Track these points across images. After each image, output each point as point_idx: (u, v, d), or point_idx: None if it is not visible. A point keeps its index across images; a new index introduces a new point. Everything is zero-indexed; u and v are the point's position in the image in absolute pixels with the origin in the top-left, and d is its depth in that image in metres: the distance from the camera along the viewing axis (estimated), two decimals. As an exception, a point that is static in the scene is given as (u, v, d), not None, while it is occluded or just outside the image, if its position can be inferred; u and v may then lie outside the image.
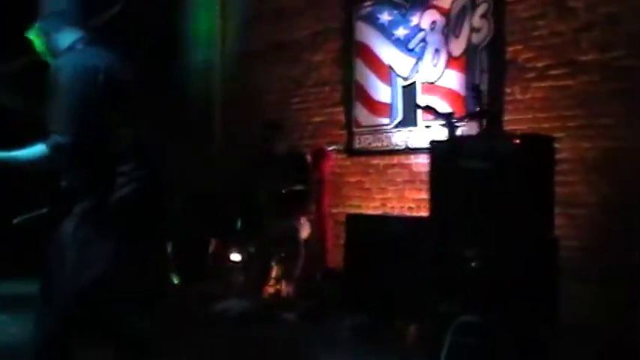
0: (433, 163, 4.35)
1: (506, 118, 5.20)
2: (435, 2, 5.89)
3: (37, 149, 3.06)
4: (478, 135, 4.48)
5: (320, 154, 6.19)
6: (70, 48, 3.22)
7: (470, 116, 4.65)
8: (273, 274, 5.71)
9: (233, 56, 7.87)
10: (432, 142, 4.43)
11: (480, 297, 3.63)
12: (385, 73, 6.31)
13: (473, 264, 3.66)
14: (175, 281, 5.98)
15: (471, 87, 4.85)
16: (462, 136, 4.61)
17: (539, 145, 4.16)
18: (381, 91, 6.33)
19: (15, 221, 3.62)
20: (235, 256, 5.95)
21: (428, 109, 4.95)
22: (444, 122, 4.25)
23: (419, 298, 4.26)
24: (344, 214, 5.96)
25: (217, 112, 7.85)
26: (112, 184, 3.22)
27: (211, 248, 6.16)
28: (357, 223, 5.39)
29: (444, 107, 5.40)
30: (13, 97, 6.43)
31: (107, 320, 3.46)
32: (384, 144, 6.30)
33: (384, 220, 5.51)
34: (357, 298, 5.08)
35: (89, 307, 3.45)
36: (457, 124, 4.31)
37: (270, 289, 5.69)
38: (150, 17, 7.59)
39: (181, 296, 5.85)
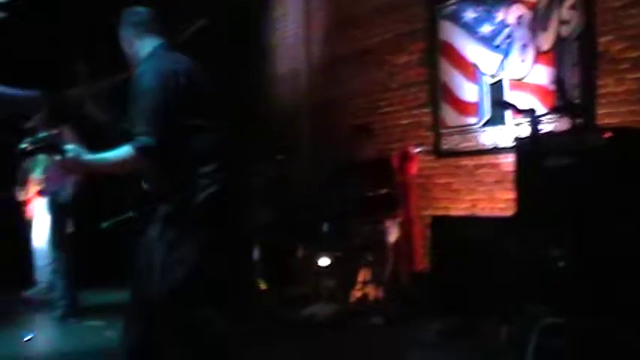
0: (518, 162, 4.21)
1: (600, 112, 4.95)
2: (521, -4, 5.73)
3: (123, 150, 3.14)
4: (566, 130, 4.30)
5: (405, 157, 6.11)
6: (151, 55, 3.32)
7: (554, 111, 4.46)
8: (361, 278, 5.66)
9: (319, 63, 7.89)
10: (516, 140, 4.29)
11: (568, 298, 3.46)
12: (471, 71, 6.17)
13: (560, 264, 3.50)
14: (262, 286, 6.02)
15: (555, 81, 4.63)
16: (548, 133, 4.44)
17: (632, 138, 3.94)
18: (468, 91, 6.19)
19: (103, 225, 3.73)
20: (323, 261, 5.94)
21: (507, 105, 4.79)
22: (527, 119, 4.09)
23: (508, 299, 4.12)
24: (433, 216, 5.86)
25: (305, 119, 7.89)
26: (194, 186, 3.27)
27: (299, 253, 6.18)
28: (443, 225, 5.28)
29: (532, 104, 5.23)
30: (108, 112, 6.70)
31: (190, 324, 3.51)
32: (472, 144, 6.15)
33: (469, 221, 5.37)
34: (445, 301, 4.97)
35: (175, 310, 3.51)
36: (542, 119, 4.15)
37: (358, 294, 5.64)
38: (237, 28, 7.76)
39: (269, 301, 5.90)
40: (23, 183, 6.71)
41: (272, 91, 8.23)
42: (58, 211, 6.05)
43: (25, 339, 5.03)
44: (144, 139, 3.13)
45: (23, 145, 3.33)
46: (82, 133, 5.55)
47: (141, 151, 3.13)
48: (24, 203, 6.77)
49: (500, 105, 5.48)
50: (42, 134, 3.31)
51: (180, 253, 3.28)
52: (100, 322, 5.39)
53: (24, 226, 6.93)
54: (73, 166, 3.21)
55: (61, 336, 5.53)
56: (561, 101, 4.38)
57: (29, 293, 6.85)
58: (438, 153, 6.47)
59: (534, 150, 3.96)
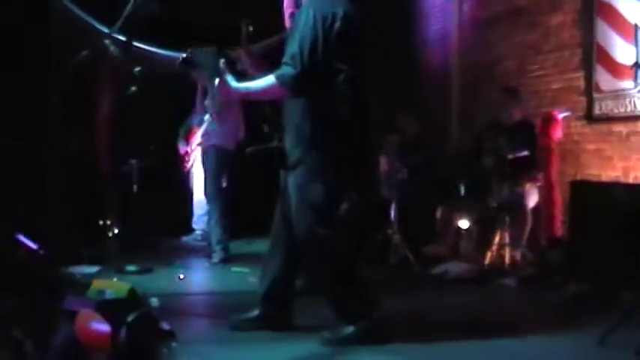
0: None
1: None
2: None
3: (267, 78, 3.40)
4: None
5: (549, 121, 5.95)
6: None
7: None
8: (497, 239, 5.63)
9: (470, 24, 7.78)
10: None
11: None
12: (629, 32, 5.82)
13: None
14: (396, 242, 6.10)
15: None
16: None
17: None
18: (625, 53, 5.86)
19: (247, 150, 3.98)
20: (462, 223, 5.96)
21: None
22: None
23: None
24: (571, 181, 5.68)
25: (454, 80, 7.83)
26: (329, 129, 3.42)
27: (438, 213, 6.22)
28: (582, 189, 5.12)
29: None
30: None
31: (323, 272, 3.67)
32: (628, 110, 5.83)
33: (609, 187, 5.16)
34: (580, 266, 4.85)
35: (316, 254, 3.65)
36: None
37: (493, 255, 5.61)
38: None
39: (403, 257, 5.99)
40: (186, 136, 7.23)
41: (423, 51, 8.23)
42: (214, 164, 6.43)
43: (179, 277, 5.48)
44: (286, 69, 3.34)
45: (184, 55, 3.71)
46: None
47: (281, 78, 3.35)
48: (186, 155, 7.30)
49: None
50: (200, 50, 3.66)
51: (311, 197, 3.45)
52: (245, 268, 5.75)
53: (186, 177, 7.50)
54: (228, 90, 3.50)
55: (210, 278, 5.99)
56: None
57: (186, 239, 7.45)
58: (590, 118, 6.21)
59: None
